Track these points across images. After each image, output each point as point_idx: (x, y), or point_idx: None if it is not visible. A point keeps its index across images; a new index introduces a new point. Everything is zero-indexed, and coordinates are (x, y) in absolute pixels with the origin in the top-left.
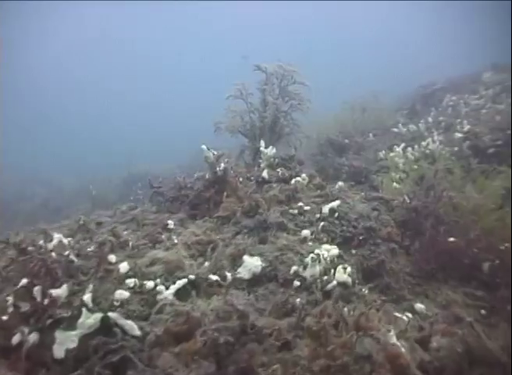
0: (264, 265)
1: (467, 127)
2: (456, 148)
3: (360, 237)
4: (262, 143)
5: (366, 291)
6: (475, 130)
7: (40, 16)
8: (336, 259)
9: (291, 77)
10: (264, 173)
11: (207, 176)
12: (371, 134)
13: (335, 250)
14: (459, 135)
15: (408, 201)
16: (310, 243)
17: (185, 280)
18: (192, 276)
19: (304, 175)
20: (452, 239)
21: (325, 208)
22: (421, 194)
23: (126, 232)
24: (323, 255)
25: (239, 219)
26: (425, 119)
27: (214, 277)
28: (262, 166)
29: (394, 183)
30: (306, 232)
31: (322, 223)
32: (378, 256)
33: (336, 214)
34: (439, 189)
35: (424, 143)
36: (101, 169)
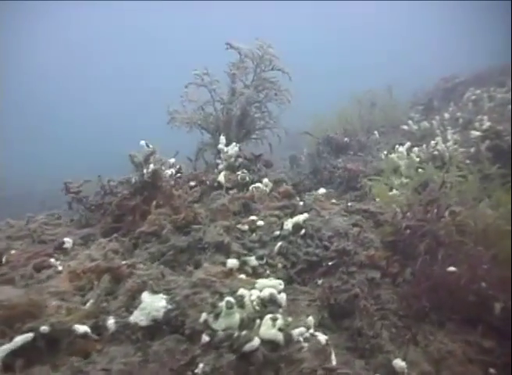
0: (170, 307)
1: (487, 124)
2: (472, 149)
3: (330, 263)
4: (222, 139)
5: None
6: (497, 127)
7: (33, 16)
8: (273, 301)
9: (269, 62)
10: (221, 177)
11: (133, 181)
12: (376, 132)
13: (273, 288)
14: (476, 133)
15: (401, 215)
16: (242, 275)
17: (27, 336)
18: (45, 328)
19: (266, 180)
20: (453, 269)
21: (288, 224)
22: (421, 208)
23: (13, 251)
24: (251, 296)
25: (167, 236)
26: (441, 116)
27: (81, 328)
28: (220, 167)
29: (392, 191)
30: (232, 262)
31: (280, 243)
32: (351, 289)
33: (303, 231)
34: (444, 203)
35: (433, 142)
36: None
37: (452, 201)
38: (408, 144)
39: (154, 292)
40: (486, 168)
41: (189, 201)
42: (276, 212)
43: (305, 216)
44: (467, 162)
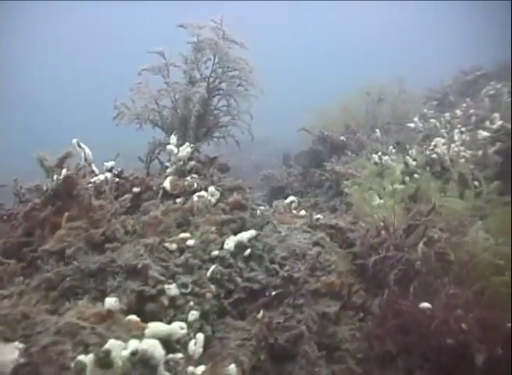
0: (22, 361)
1: (498, 123)
2: (480, 153)
3: (274, 292)
4: (172, 138)
5: None
6: (509, 126)
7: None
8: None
9: (225, 51)
10: (166, 183)
11: (44, 188)
12: (377, 130)
13: (168, 334)
14: (484, 134)
15: (375, 233)
16: (132, 316)
17: None
18: None
19: (212, 188)
20: (426, 305)
21: (229, 242)
22: (401, 227)
23: None
24: (125, 350)
25: (75, 256)
26: (453, 112)
27: None
28: (168, 171)
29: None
30: (111, 302)
31: (213, 267)
32: (296, 326)
33: (248, 251)
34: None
35: (432, 143)
36: None
37: (438, 223)
38: (408, 145)
39: (6, 340)
40: (490, 176)
41: (120, 212)
42: (220, 228)
43: (251, 233)
44: (472, 167)
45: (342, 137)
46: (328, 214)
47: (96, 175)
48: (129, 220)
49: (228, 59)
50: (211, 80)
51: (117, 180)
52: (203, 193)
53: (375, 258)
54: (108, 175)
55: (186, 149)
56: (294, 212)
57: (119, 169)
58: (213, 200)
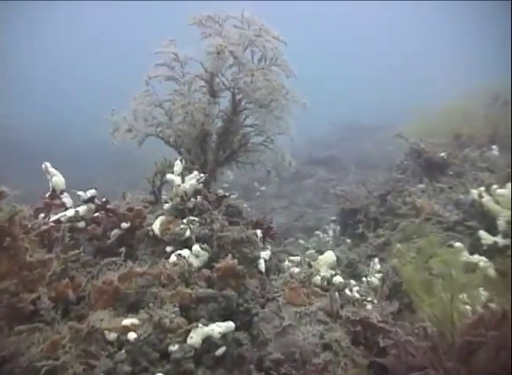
0: None
1: None
2: None
3: None
4: (177, 165)
5: None
6: None
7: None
8: None
9: (263, 48)
10: (156, 225)
11: None
12: (495, 146)
13: None
14: None
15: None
16: None
17: None
18: None
19: (196, 247)
20: None
21: (195, 336)
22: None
23: None
24: None
25: None
26: None
27: None
28: (165, 207)
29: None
30: None
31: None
32: None
33: (222, 350)
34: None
35: None
36: None
37: None
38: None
39: None
40: None
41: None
42: (196, 307)
43: (227, 326)
44: None
45: (442, 154)
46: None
47: (67, 208)
48: (78, 283)
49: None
50: (236, 90)
51: (97, 214)
52: (184, 252)
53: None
54: (83, 208)
55: (191, 180)
56: (317, 289)
57: (104, 200)
58: (196, 264)
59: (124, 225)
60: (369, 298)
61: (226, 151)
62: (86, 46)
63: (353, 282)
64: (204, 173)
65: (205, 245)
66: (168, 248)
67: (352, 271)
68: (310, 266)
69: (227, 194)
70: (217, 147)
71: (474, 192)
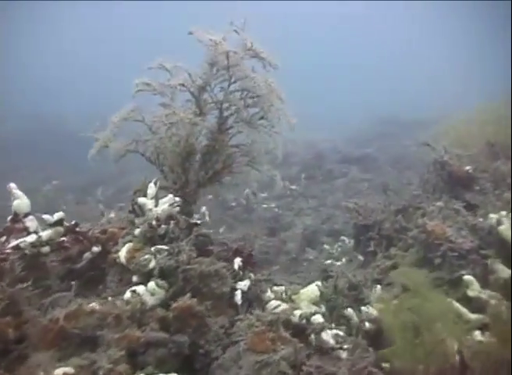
0: None
1: None
2: None
3: None
4: (151, 188)
5: None
6: None
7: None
8: None
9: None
10: (122, 252)
11: None
12: None
13: None
14: None
15: None
16: None
17: None
18: None
19: (152, 284)
20: None
21: None
22: None
23: None
24: None
25: None
26: None
27: None
28: (136, 233)
29: None
30: None
31: None
32: None
33: None
34: None
35: None
36: None
37: None
38: None
39: None
40: None
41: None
42: (144, 353)
43: None
44: None
45: (468, 168)
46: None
47: (29, 233)
48: (25, 319)
49: (248, 81)
50: (224, 106)
51: (64, 238)
52: (140, 289)
53: None
54: (48, 233)
55: (164, 205)
56: (285, 334)
57: (73, 222)
58: (151, 302)
59: (95, 249)
60: (346, 346)
61: (209, 172)
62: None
63: (332, 326)
64: (184, 193)
65: (162, 282)
66: (135, 278)
67: (356, 295)
68: (291, 300)
69: (198, 222)
70: (200, 167)
71: (493, 217)
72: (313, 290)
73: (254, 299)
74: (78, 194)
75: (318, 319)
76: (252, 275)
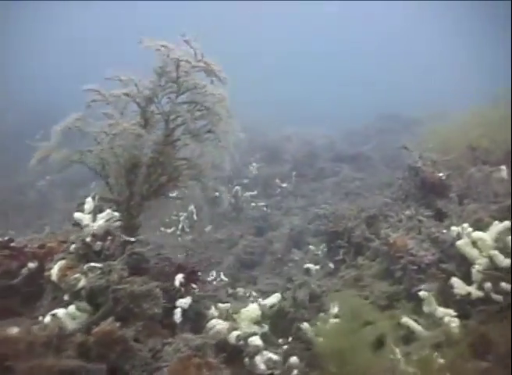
0: None
1: None
2: None
3: None
4: (89, 203)
5: None
6: None
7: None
8: None
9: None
10: (54, 270)
11: None
12: (503, 167)
13: None
14: None
15: None
16: None
17: None
18: None
19: (72, 308)
20: None
21: None
22: None
23: None
24: None
25: None
26: None
27: None
28: (72, 249)
29: None
30: None
31: None
32: None
33: None
34: None
35: None
36: None
37: None
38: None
39: None
40: None
41: None
42: None
43: None
44: None
45: (441, 175)
46: None
47: None
48: None
49: (199, 92)
50: (171, 117)
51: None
52: (62, 312)
53: None
54: None
55: (101, 220)
56: (212, 361)
57: (7, 238)
58: (71, 326)
59: (31, 265)
60: (277, 372)
61: (154, 185)
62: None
63: (268, 350)
64: (129, 206)
65: (85, 304)
66: (66, 297)
67: (319, 306)
68: (232, 318)
69: (133, 240)
70: (144, 179)
71: (455, 230)
72: (254, 309)
73: (195, 317)
74: (73, 189)
75: (256, 341)
76: (196, 291)
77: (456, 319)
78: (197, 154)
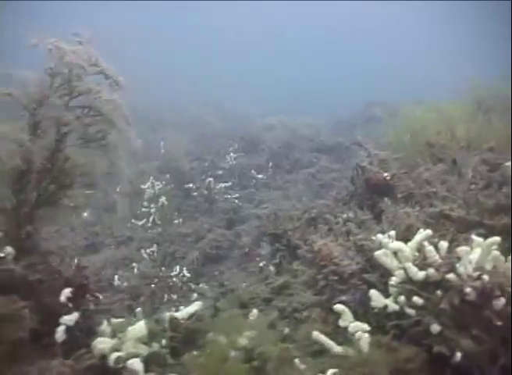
0: None
1: None
2: None
3: None
4: None
5: None
6: None
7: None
8: None
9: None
10: None
11: None
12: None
13: None
14: None
15: None
16: None
17: None
18: None
19: None
20: None
21: None
22: None
23: None
24: None
25: None
26: None
27: None
28: None
29: None
30: None
31: None
32: None
33: None
34: None
35: None
36: None
37: None
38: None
39: None
40: None
41: None
42: None
43: None
44: None
45: (385, 175)
46: None
47: None
48: None
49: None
50: (62, 122)
51: None
52: None
53: None
54: None
55: None
56: None
57: None
58: None
59: None
60: None
61: (44, 193)
62: None
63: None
64: (18, 215)
65: None
66: None
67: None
68: (118, 338)
69: (1, 255)
70: (34, 187)
71: (379, 237)
72: (140, 327)
73: (84, 335)
74: None
75: (135, 363)
76: (89, 307)
77: (367, 335)
78: (90, 161)
